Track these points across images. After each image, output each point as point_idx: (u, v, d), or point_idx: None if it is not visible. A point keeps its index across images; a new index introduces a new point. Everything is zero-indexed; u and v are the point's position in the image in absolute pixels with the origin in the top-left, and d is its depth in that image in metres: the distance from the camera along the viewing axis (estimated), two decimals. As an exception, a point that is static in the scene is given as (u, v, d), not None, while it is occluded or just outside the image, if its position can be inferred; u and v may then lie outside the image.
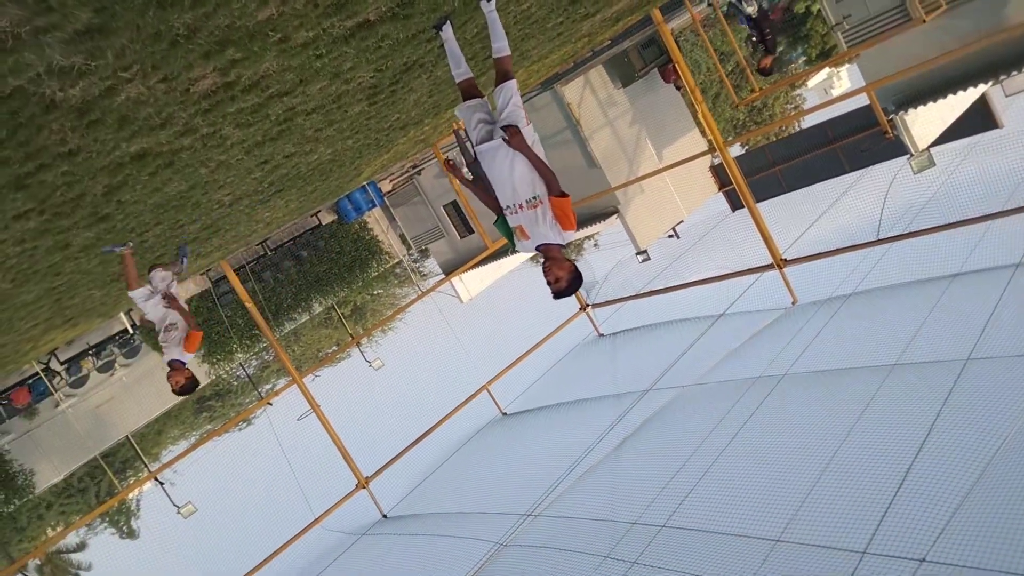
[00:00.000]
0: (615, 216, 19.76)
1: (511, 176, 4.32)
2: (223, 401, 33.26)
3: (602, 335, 17.65)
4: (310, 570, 13.85)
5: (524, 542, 10.27)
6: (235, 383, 32.05)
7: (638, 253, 18.57)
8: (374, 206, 22.20)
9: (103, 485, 28.19)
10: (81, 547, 31.09)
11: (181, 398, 19.16)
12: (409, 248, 25.29)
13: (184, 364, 6.66)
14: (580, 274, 4.45)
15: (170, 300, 6.79)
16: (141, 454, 21.36)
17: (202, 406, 32.91)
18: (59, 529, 28.56)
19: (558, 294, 4.51)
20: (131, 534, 31.81)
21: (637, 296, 16.54)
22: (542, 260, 4.50)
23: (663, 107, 21.32)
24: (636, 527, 8.99)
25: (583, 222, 20.24)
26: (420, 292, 21.32)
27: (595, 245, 33.79)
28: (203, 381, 19.69)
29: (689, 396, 12.39)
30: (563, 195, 4.32)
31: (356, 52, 4.59)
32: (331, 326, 30.57)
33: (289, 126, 5.45)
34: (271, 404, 19.22)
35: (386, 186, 23.87)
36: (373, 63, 5.14)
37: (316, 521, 14.16)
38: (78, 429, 18.23)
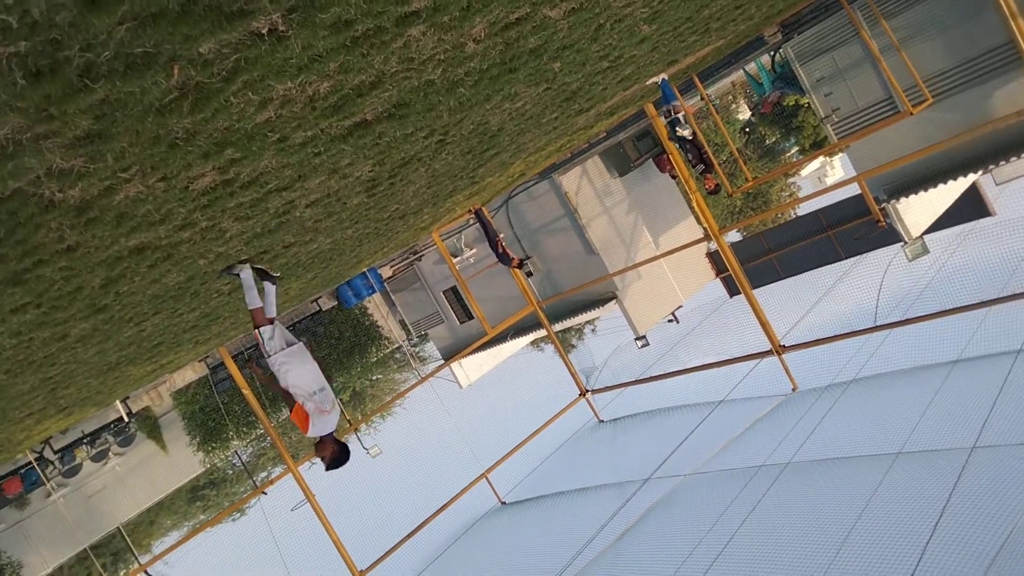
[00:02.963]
0: (614, 302, 19.85)
1: (307, 371, 6.24)
2: (218, 490, 32.61)
3: (602, 421, 17.46)
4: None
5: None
6: (230, 471, 31.51)
7: (637, 338, 18.56)
8: (374, 292, 22.34)
9: (92, 577, 27.37)
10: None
11: (176, 486, 18.71)
12: (409, 333, 25.31)
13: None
14: (337, 458, 5.99)
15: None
16: (132, 546, 20.82)
17: (196, 495, 32.25)
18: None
19: (331, 466, 6.03)
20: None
21: (636, 382, 16.44)
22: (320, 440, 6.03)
23: (659, 195, 21.73)
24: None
25: (582, 308, 20.33)
26: (419, 377, 21.22)
27: (593, 331, 33.82)
28: (197, 470, 19.38)
29: (690, 485, 12.17)
30: (291, 409, 5.89)
31: (354, 149, 4.72)
32: (329, 412, 30.24)
33: (288, 218, 5.54)
34: (266, 493, 18.85)
35: (386, 272, 24.09)
36: (371, 158, 5.28)
37: (308, 618, 13.67)
38: (69, 520, 17.84)
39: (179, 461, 19.15)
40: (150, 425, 18.64)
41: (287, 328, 6.32)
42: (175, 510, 31.95)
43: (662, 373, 15.53)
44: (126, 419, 16.99)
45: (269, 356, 6.02)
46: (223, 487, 32.62)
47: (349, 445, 6.25)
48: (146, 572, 19.87)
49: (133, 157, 2.93)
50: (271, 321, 6.14)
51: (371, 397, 31.71)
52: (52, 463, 16.79)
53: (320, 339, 21.19)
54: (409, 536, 14.63)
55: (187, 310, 7.06)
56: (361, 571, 13.98)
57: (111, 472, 18.34)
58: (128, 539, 20.22)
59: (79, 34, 2.09)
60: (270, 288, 6.37)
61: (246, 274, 5.92)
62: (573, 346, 34.73)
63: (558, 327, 21.96)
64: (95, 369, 7.66)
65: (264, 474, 31.92)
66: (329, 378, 6.64)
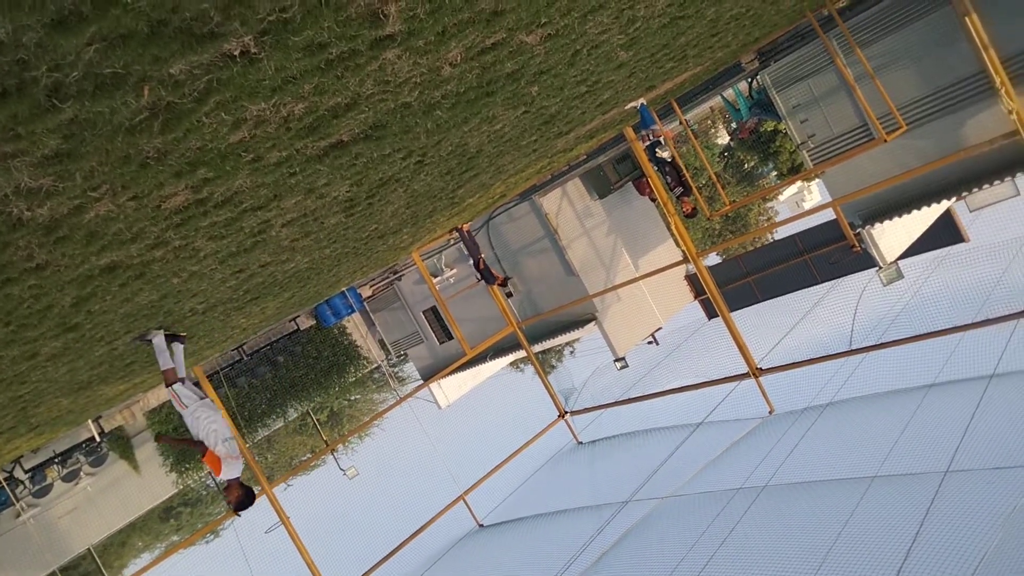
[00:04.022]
0: (593, 323, 19.90)
1: (217, 423, 6.66)
2: (191, 510, 32.13)
3: (581, 443, 17.44)
4: None
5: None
6: (204, 492, 31.08)
7: (616, 360, 18.59)
8: (353, 311, 22.25)
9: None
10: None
11: (148, 508, 18.42)
12: (388, 353, 25.19)
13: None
14: (242, 500, 6.86)
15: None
16: (102, 567, 20.41)
17: (169, 514, 31.75)
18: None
19: (237, 510, 6.96)
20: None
21: (615, 404, 16.45)
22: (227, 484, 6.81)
23: (638, 218, 21.88)
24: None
25: (562, 329, 20.36)
26: (398, 398, 21.09)
27: (572, 352, 33.84)
28: (170, 491, 19.10)
29: (668, 508, 12.17)
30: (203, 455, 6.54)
31: (330, 169, 4.72)
32: (306, 432, 30.01)
33: (264, 237, 5.52)
34: (239, 515, 18.55)
35: (366, 291, 24.01)
36: (348, 179, 5.28)
37: (281, 642, 13.44)
38: (38, 541, 17.49)
39: (152, 482, 18.86)
40: (123, 445, 18.37)
41: (267, 346, 6.56)
42: (148, 530, 31.43)
43: (641, 395, 15.56)
44: (98, 439, 16.73)
45: (185, 408, 6.60)
46: (197, 507, 32.16)
47: (254, 490, 7.19)
48: (116, 595, 19.40)
49: (103, 176, 2.91)
50: (182, 380, 6.73)
51: (349, 417, 31.47)
52: (22, 483, 16.48)
53: (298, 359, 21.04)
54: (386, 559, 14.48)
55: (157, 328, 6.98)
56: (335, 595, 13.78)
57: (82, 492, 18.03)
58: (99, 560, 19.83)
59: (47, 54, 2.08)
60: (178, 348, 6.87)
61: (158, 339, 6.59)
62: (553, 367, 34.72)
63: (538, 348, 21.97)
64: (66, 388, 7.55)
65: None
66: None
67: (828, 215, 18.36)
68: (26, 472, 16.51)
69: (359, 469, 22.49)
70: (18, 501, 16.48)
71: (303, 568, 14.05)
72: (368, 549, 15.16)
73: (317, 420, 25.21)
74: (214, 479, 22.72)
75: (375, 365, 23.98)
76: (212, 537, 28.62)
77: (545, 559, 12.24)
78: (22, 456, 16.14)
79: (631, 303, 20.29)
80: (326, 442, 23.16)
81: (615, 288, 15.59)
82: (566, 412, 17.46)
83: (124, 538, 29.51)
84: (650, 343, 20.66)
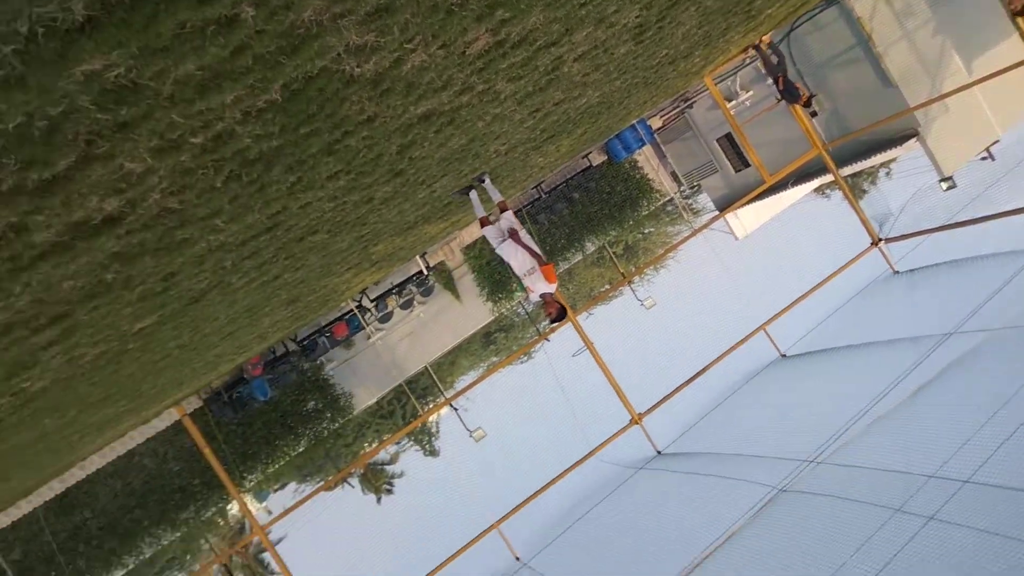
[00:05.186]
0: (914, 140, 17.67)
1: (516, 257, 7.62)
2: (507, 335, 35.63)
3: (897, 272, 16.11)
4: (589, 499, 14.51)
5: (805, 488, 9.89)
6: (516, 319, 34.15)
7: (942, 180, 16.52)
8: (644, 144, 22.03)
9: (408, 408, 31.83)
10: (393, 460, 35.60)
11: (470, 332, 20.57)
12: (680, 185, 24.83)
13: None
14: (564, 310, 8.03)
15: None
16: (438, 382, 23.71)
17: (488, 339, 35.55)
18: (374, 445, 32.85)
19: (553, 322, 8.13)
20: (433, 453, 35.70)
21: (940, 228, 14.83)
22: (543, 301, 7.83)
23: (973, 11, 18.42)
24: (933, 481, 8.24)
25: (875, 148, 18.41)
26: (692, 229, 20.93)
27: (888, 174, 30.65)
28: (488, 318, 21.22)
29: (999, 340, 10.92)
30: (546, 264, 7.61)
31: (620, -6, 4.56)
32: (603, 265, 31.21)
33: (557, 75, 5.58)
34: (548, 340, 20.20)
35: (656, 123, 23.51)
36: (638, 3, 5.07)
37: (592, 452, 14.76)
38: (385, 359, 20.66)
39: (472, 310, 21.08)
40: (445, 278, 20.61)
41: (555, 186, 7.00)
42: (471, 352, 35.62)
43: (972, 218, 13.80)
44: (425, 272, 18.93)
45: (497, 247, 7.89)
46: (511, 332, 35.58)
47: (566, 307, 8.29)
48: (451, 405, 22.53)
49: (416, 27, 3.10)
50: (491, 222, 8.00)
51: (644, 250, 32.05)
52: (369, 310, 19.34)
53: (592, 194, 21.56)
54: (686, 383, 14.98)
55: (469, 171, 7.53)
56: (639, 414, 14.69)
57: (416, 319, 20.74)
58: (435, 376, 23.03)
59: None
60: (475, 196, 8.19)
61: (473, 195, 8.09)
62: (864, 192, 31.84)
63: (847, 171, 20.16)
64: (397, 228, 8.56)
65: (545, 322, 34.19)
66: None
67: None
68: (372, 301, 19.31)
69: (656, 299, 23.10)
70: (367, 326, 19.39)
71: (608, 389, 15.10)
72: (668, 374, 15.79)
73: (613, 253, 26.04)
74: (525, 307, 24.77)
75: (667, 198, 23.82)
76: (525, 359, 31.70)
77: (856, 390, 11.80)
78: (367, 288, 18.82)
79: (961, 114, 17.59)
80: (623, 274, 23.94)
81: (943, 97, 13.61)
82: (880, 239, 16.14)
83: (453, 359, 33.79)
84: (984, 159, 17.95)
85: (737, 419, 14.50)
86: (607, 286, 31.54)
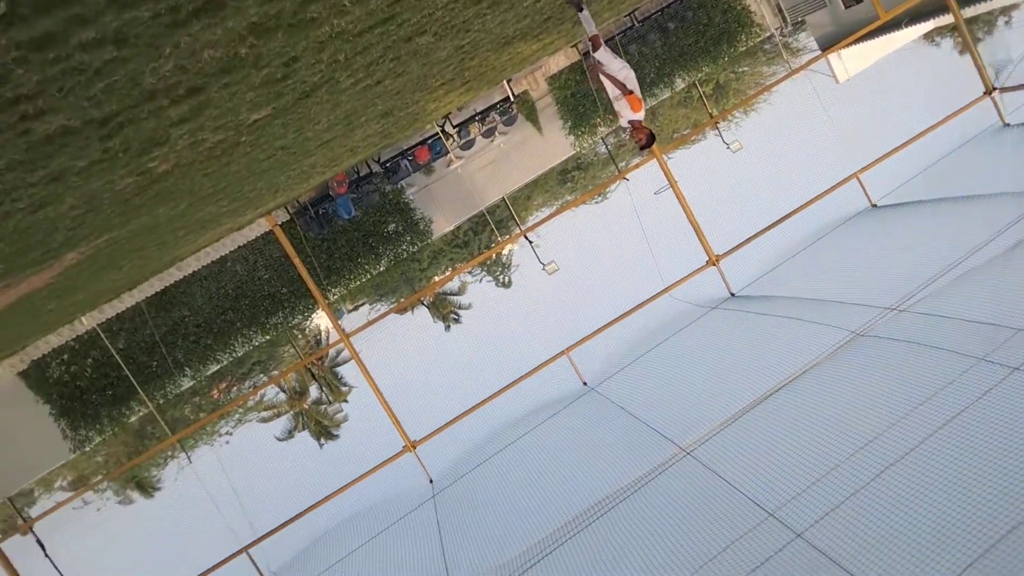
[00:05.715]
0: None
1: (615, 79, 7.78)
2: (584, 173, 35.24)
3: (1007, 124, 15.15)
4: (656, 335, 14.79)
5: (883, 334, 9.86)
6: (595, 157, 33.60)
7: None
8: (749, -29, 20.47)
9: (483, 239, 32.36)
10: (462, 291, 36.71)
11: (551, 165, 20.45)
12: (784, 20, 23.22)
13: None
14: (654, 136, 8.02)
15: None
16: (515, 214, 23.87)
17: (565, 176, 35.26)
18: (447, 273, 33.83)
19: (642, 148, 8.10)
20: (506, 284, 36.60)
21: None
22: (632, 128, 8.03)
23: None
24: (1022, 334, 8.11)
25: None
26: (790, 69, 19.75)
27: (1007, 23, 28.09)
28: (568, 152, 20.93)
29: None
30: (631, 93, 7.78)
31: None
32: (690, 106, 30.01)
33: None
34: (627, 179, 19.94)
35: (765, -51, 21.66)
36: None
37: (666, 290, 14.92)
38: (464, 187, 20.80)
39: (552, 143, 20.79)
40: (528, 108, 20.21)
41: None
42: (547, 189, 35.50)
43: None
44: (512, 98, 18.59)
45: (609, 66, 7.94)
46: (588, 171, 35.16)
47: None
48: (526, 237, 22.91)
49: None
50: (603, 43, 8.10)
51: (735, 91, 30.59)
52: (451, 136, 19.27)
53: (688, 25, 20.35)
54: (769, 228, 14.77)
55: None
56: (717, 255, 14.65)
57: (497, 149, 20.61)
58: (511, 208, 23.16)
59: None
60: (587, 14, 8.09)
61: (586, 14, 7.93)
62: (978, 39, 29.31)
63: (968, 12, 18.49)
64: (495, 41, 8.35)
65: (623, 163, 33.60)
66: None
67: None
68: (454, 127, 19.20)
69: (743, 143, 22.30)
70: (449, 152, 19.42)
71: (688, 230, 15.00)
72: (752, 218, 15.47)
73: (703, 92, 24.91)
74: (607, 143, 24.31)
75: (767, 34, 22.36)
76: (601, 198, 31.49)
77: (948, 241, 11.43)
78: (450, 113, 18.67)
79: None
80: (711, 114, 23.06)
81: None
82: (995, 88, 15.06)
83: (528, 192, 33.78)
84: None
85: (817, 266, 14.33)
86: (690, 128, 30.50)
